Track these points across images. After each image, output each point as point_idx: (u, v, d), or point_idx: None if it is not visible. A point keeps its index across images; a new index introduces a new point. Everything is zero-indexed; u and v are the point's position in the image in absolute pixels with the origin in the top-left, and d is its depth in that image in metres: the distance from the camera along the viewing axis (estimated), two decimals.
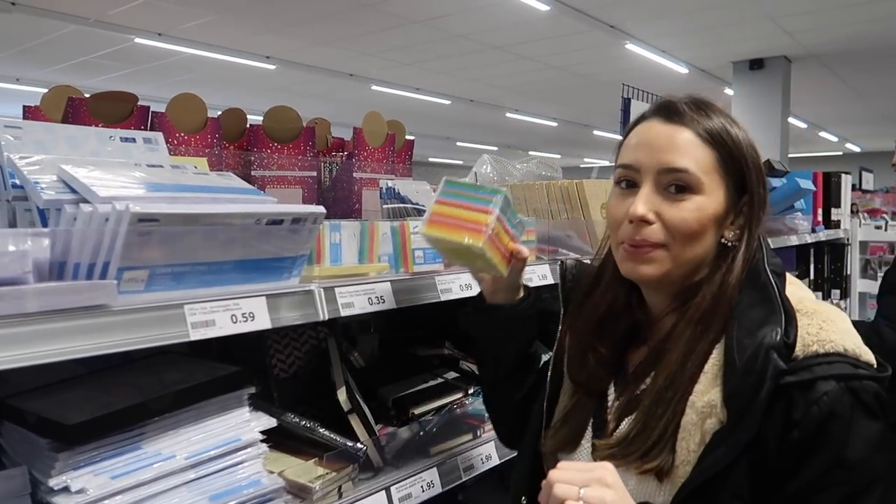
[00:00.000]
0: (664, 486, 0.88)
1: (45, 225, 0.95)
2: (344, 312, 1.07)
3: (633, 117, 1.05)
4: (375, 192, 2.00)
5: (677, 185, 0.91)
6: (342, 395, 1.26)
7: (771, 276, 0.92)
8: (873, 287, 4.45)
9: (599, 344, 1.02)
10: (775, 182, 2.78)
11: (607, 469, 0.81)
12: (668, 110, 0.95)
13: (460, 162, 18.26)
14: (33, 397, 1.00)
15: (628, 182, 0.96)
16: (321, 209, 1.02)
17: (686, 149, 0.92)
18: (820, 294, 3.90)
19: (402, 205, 1.86)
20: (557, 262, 1.20)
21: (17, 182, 0.98)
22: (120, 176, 0.96)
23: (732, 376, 0.85)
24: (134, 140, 1.20)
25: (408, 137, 2.27)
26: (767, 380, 0.82)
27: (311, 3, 6.81)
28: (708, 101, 0.97)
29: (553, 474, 0.80)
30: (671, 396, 0.89)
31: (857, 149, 18.08)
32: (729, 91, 9.40)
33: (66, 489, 0.87)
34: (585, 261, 1.18)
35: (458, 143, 16.53)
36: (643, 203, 0.92)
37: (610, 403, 1.00)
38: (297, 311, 1.01)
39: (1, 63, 9.00)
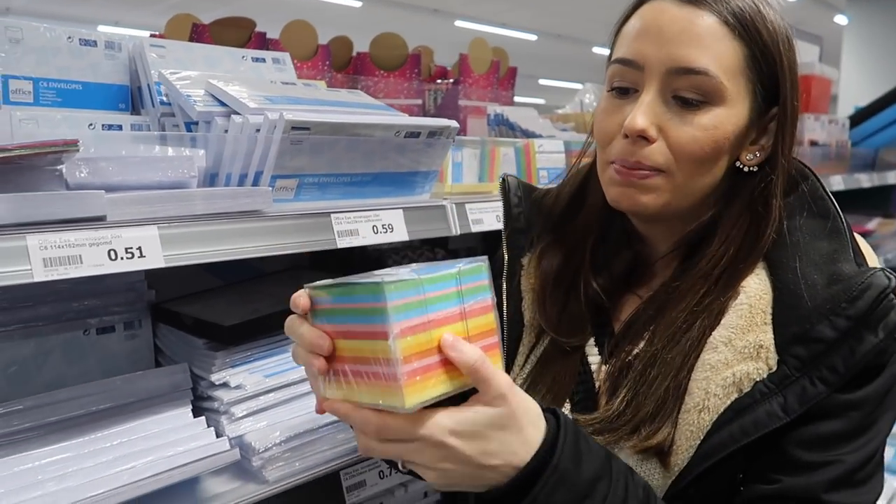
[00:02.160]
0: (669, 468, 0.70)
1: (191, 141, 0.99)
2: (474, 228, 1.07)
3: None
4: (481, 120, 1.98)
5: (691, 92, 0.70)
6: None
7: (837, 207, 0.74)
8: None
9: (593, 279, 0.81)
10: None
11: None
12: None
13: (542, 101, 17.81)
14: (187, 302, 1.07)
15: (624, 86, 0.74)
16: (455, 123, 1.01)
17: (707, 41, 0.70)
18: None
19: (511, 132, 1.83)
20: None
21: (164, 99, 1.02)
22: (262, 91, 0.98)
23: (797, 317, 0.68)
24: (263, 60, 1.22)
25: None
26: (880, 329, 0.65)
27: None
28: None
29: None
30: (671, 359, 0.72)
31: None
32: (840, 20, 8.67)
33: (225, 384, 0.93)
34: None
35: (541, 82, 16.11)
36: (644, 114, 0.70)
37: (595, 368, 0.80)
38: (431, 225, 1.02)
39: (101, 7, 9.36)
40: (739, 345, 0.69)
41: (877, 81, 6.47)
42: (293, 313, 0.66)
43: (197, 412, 0.94)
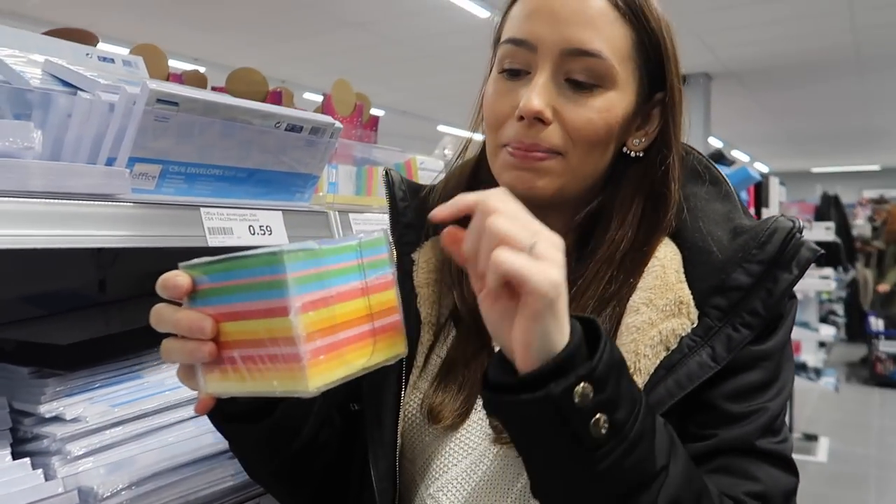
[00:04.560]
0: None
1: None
2: None
3: None
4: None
5: (585, 75, 0.70)
6: None
7: (723, 174, 0.77)
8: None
9: None
10: (725, 170, 2.87)
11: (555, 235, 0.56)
12: None
13: None
14: (5, 328, 0.87)
15: (516, 68, 0.72)
16: (339, 123, 0.94)
17: (600, 24, 0.69)
18: None
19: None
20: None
21: None
22: (115, 75, 0.86)
23: (710, 270, 0.70)
24: (112, 61, 1.09)
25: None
26: (794, 267, 0.67)
27: (241, 1, 6.64)
28: None
29: (494, 221, 0.53)
30: None
31: (765, 168, 19.20)
32: None
33: (58, 418, 0.75)
34: None
35: None
36: (539, 95, 0.69)
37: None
38: (313, 232, 0.92)
39: None
40: (661, 303, 0.70)
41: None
42: (151, 332, 0.56)
43: (18, 456, 0.75)
